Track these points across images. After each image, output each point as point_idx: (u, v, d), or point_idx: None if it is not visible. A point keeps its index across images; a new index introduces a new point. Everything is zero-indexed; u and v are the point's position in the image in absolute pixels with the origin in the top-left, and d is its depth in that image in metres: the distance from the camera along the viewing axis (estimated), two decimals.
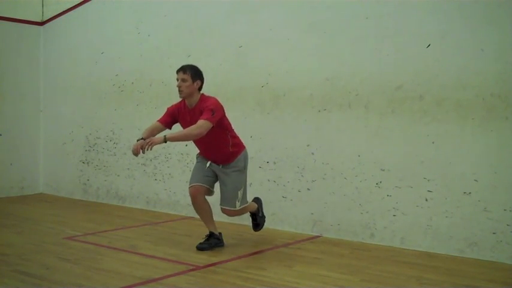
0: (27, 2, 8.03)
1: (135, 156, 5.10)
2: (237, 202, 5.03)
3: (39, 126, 8.21)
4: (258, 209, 5.44)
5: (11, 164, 7.88)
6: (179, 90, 4.91)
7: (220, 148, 4.98)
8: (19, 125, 7.97)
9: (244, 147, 5.13)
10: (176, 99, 6.73)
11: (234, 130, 5.10)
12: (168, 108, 5.14)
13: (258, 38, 6.11)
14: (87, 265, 4.48)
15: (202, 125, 4.71)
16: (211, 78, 6.41)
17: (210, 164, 5.07)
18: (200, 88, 4.96)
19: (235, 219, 6.09)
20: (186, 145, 6.62)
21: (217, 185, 5.14)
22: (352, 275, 4.33)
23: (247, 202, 5.16)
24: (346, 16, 5.53)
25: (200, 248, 5.00)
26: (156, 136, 4.86)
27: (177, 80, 4.92)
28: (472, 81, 4.86)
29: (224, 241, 5.18)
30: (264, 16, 6.08)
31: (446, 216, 5.00)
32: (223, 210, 5.11)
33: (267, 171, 6.02)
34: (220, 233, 5.16)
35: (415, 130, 5.15)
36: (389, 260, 4.80)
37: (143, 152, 4.73)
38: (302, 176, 5.82)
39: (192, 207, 6.52)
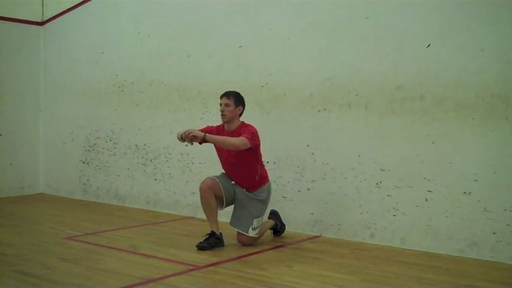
0: (27, 2, 8.03)
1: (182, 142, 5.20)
2: (250, 229, 5.11)
3: (39, 126, 8.21)
4: (275, 223, 5.53)
5: (11, 164, 7.88)
6: (222, 115, 5.11)
7: (248, 175, 5.14)
8: (19, 125, 7.97)
9: (268, 180, 5.30)
10: (175, 99, 6.76)
11: (263, 162, 5.28)
12: (208, 126, 5.30)
13: (258, 38, 6.11)
14: (87, 265, 4.48)
15: (242, 139, 4.92)
16: (211, 78, 6.44)
17: (235, 183, 5.18)
18: (241, 114, 5.17)
19: None
20: (186, 145, 6.62)
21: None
22: (352, 275, 4.33)
23: (258, 232, 5.22)
24: (346, 16, 5.53)
25: (200, 247, 5.00)
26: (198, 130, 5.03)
27: (220, 104, 5.12)
28: (472, 81, 4.86)
29: (224, 241, 5.18)
30: (263, 16, 6.08)
31: (446, 216, 5.00)
32: (239, 237, 5.18)
33: (267, 171, 6.00)
34: (221, 233, 5.16)
35: (415, 130, 5.15)
36: (389, 260, 4.80)
37: (183, 140, 5.01)
38: (302, 176, 5.81)
39: (192, 207, 6.55)
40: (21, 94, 7.98)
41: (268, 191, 5.28)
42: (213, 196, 5.07)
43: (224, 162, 5.23)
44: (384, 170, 5.32)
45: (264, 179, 5.25)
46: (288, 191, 5.90)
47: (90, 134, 7.67)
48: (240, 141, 4.90)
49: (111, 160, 7.44)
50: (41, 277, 4.14)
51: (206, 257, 4.78)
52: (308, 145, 5.77)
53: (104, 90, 7.48)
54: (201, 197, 5.11)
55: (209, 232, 5.11)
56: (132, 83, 7.20)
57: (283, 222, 5.62)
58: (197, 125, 5.26)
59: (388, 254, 5.01)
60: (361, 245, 5.31)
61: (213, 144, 5.17)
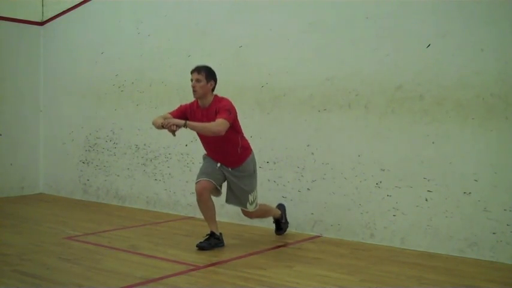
0: (27, 2, 8.03)
1: (156, 128, 5.10)
2: (248, 204, 5.13)
3: (39, 126, 8.21)
4: (281, 215, 5.55)
5: (11, 164, 7.88)
6: (193, 91, 4.99)
7: (230, 149, 5.02)
8: (19, 125, 7.97)
9: (251, 150, 5.20)
10: (175, 99, 6.75)
11: (243, 132, 5.17)
12: (181, 105, 5.20)
13: (258, 38, 6.11)
14: (87, 265, 4.48)
15: (221, 123, 4.78)
16: None
17: (221, 165, 5.09)
18: (213, 89, 5.05)
19: (235, 220, 6.09)
20: (186, 145, 6.63)
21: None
22: (352, 275, 4.33)
23: (257, 204, 5.22)
24: (346, 16, 5.53)
25: (200, 246, 5.00)
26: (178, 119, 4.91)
27: (191, 80, 5.00)
28: (472, 81, 4.86)
29: (224, 241, 5.18)
30: (264, 16, 6.08)
31: (446, 216, 5.00)
32: (243, 212, 5.27)
33: (267, 171, 6.01)
34: (220, 233, 5.16)
35: (415, 130, 5.15)
36: (389, 260, 4.80)
37: (162, 127, 4.90)
38: (302, 176, 5.81)
39: (192, 207, 6.55)
40: (21, 94, 7.98)
41: (254, 162, 5.18)
42: (210, 196, 5.05)
43: (205, 141, 5.10)
44: (383, 170, 5.32)
45: (246, 150, 5.11)
46: (288, 191, 5.90)
47: (90, 134, 7.67)
48: (220, 125, 4.75)
49: (111, 160, 7.44)
50: (41, 277, 4.14)
51: (206, 257, 4.78)
52: (308, 145, 5.77)
53: (104, 90, 7.48)
54: (198, 200, 5.05)
55: (209, 233, 5.11)
56: (132, 83, 7.20)
57: (287, 220, 5.64)
58: None
59: (388, 254, 5.01)
60: (361, 245, 5.31)
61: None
